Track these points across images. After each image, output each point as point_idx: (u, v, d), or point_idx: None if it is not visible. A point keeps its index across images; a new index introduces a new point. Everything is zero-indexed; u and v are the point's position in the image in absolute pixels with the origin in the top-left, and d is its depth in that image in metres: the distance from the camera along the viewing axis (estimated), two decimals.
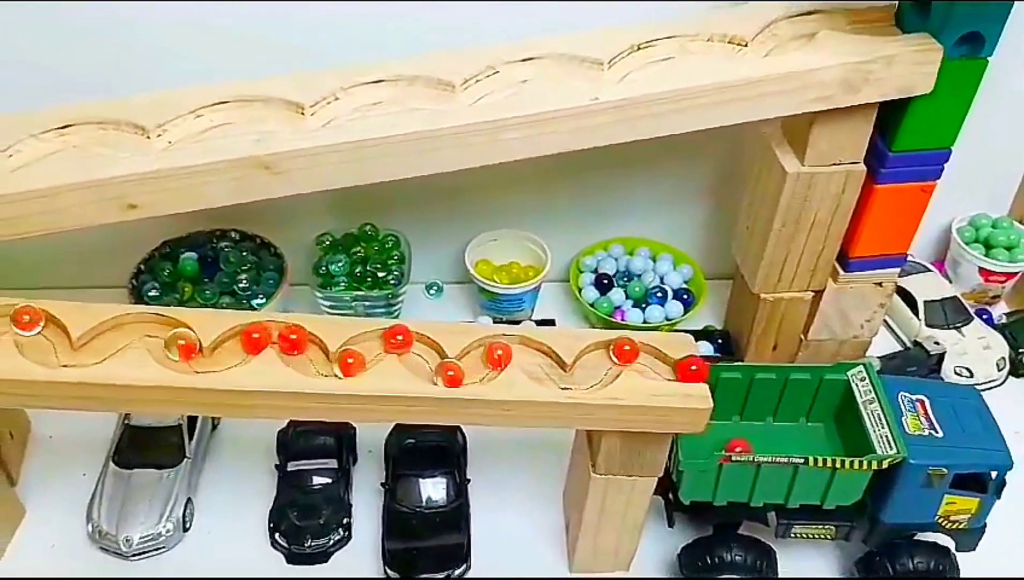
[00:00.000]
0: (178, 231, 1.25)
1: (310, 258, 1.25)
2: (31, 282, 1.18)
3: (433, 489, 1.06)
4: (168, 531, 1.02)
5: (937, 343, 1.23)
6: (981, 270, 1.32)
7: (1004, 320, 1.32)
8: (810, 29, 0.94)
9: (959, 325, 1.28)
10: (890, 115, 0.96)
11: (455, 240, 1.33)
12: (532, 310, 1.31)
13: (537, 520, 1.08)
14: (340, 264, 1.21)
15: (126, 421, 1.09)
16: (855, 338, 1.18)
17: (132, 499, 1.03)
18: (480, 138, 0.87)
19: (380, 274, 1.22)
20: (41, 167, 0.84)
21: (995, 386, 1.25)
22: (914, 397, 0.95)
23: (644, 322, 1.26)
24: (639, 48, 0.92)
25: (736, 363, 1.02)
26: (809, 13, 0.96)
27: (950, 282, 1.34)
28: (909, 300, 1.30)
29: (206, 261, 1.22)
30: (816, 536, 0.97)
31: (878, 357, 1.20)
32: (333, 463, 1.08)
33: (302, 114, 0.87)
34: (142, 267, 1.22)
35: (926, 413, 0.94)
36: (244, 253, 1.22)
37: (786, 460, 0.89)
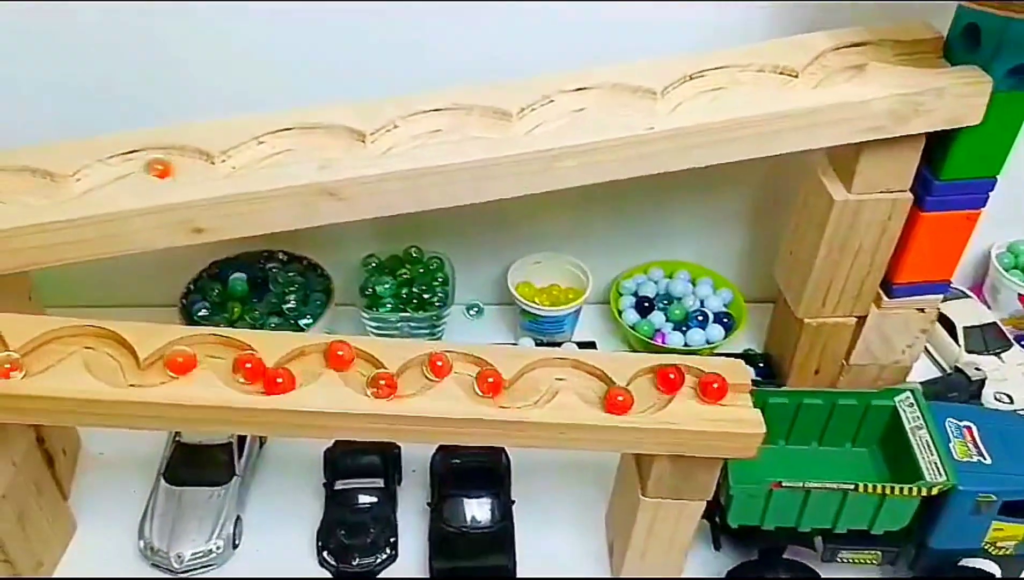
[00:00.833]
0: (227, 252, 1.28)
1: (356, 279, 1.27)
2: (80, 300, 1.21)
3: (478, 510, 1.07)
4: (219, 548, 1.03)
5: (978, 369, 1.23)
6: (1020, 296, 1.33)
7: None
8: (858, 60, 0.95)
9: (999, 351, 1.28)
10: (938, 144, 0.97)
11: (496, 262, 1.34)
12: (572, 332, 1.32)
13: (580, 542, 1.09)
14: (387, 285, 1.23)
15: (176, 438, 1.10)
16: (896, 363, 1.19)
17: (183, 516, 1.04)
18: (536, 166, 0.88)
19: (425, 296, 1.24)
20: (110, 191, 0.87)
21: None
22: (961, 423, 0.96)
23: (685, 345, 1.27)
24: (691, 78, 0.94)
25: (784, 389, 1.03)
26: (856, 44, 0.97)
27: (989, 308, 1.35)
28: (948, 326, 1.30)
29: (255, 281, 1.24)
30: (862, 561, 0.98)
31: (919, 383, 1.21)
32: (380, 482, 1.09)
33: (363, 142, 0.89)
34: (192, 287, 1.24)
35: (974, 439, 0.94)
36: (292, 274, 1.24)
37: (836, 486, 0.90)
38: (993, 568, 0.97)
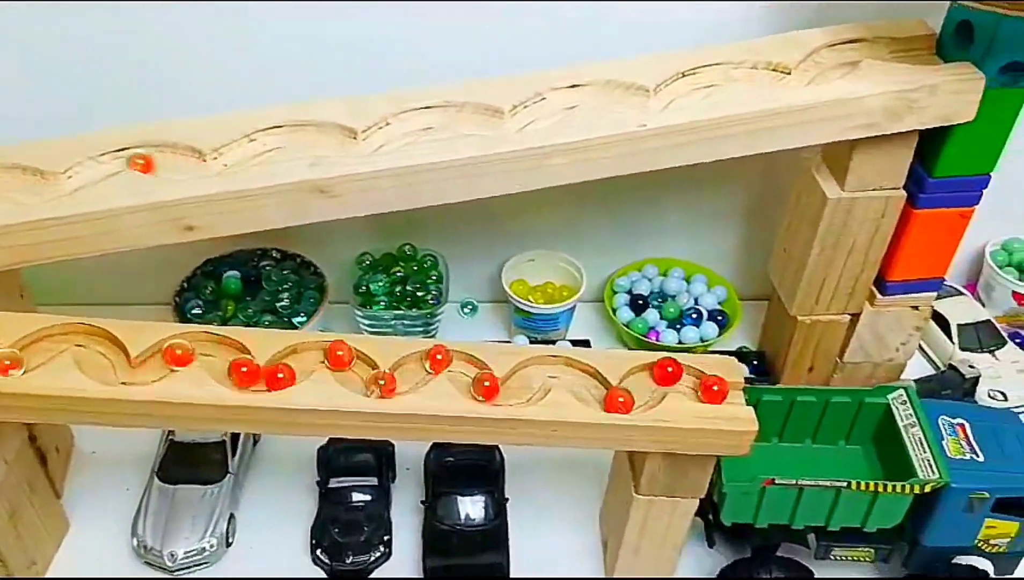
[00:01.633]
0: (220, 250, 1.27)
1: (349, 277, 1.27)
2: (74, 298, 1.21)
3: (472, 507, 1.07)
4: (212, 546, 1.03)
5: (972, 366, 1.23)
6: (1014, 294, 1.33)
7: None
8: (852, 57, 0.95)
9: (993, 348, 1.28)
10: (930, 142, 0.97)
11: (490, 260, 1.34)
12: (567, 330, 1.32)
13: (574, 540, 1.09)
14: (380, 283, 1.23)
15: (170, 437, 1.10)
16: (890, 361, 1.19)
17: (176, 514, 1.04)
18: (528, 164, 0.88)
19: (419, 293, 1.24)
20: (100, 189, 0.87)
21: None
22: (954, 421, 0.96)
23: (679, 343, 1.27)
24: (684, 75, 0.94)
25: (777, 386, 1.03)
26: (851, 41, 0.97)
27: (983, 305, 1.35)
28: (943, 323, 1.30)
29: (248, 279, 1.24)
30: (855, 559, 0.98)
31: (913, 380, 1.21)
32: (373, 480, 1.09)
33: (354, 139, 0.89)
34: (185, 285, 1.24)
35: (967, 437, 0.94)
36: (285, 272, 1.24)
37: (829, 484, 0.90)
38: (986, 565, 0.98)
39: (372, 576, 1.04)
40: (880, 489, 0.89)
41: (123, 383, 0.81)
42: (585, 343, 1.30)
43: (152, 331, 0.84)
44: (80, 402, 0.80)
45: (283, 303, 1.20)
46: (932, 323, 1.30)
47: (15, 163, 0.87)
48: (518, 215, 1.31)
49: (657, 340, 1.27)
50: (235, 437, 1.11)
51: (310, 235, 1.28)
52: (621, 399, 0.83)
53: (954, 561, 0.97)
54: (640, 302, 1.31)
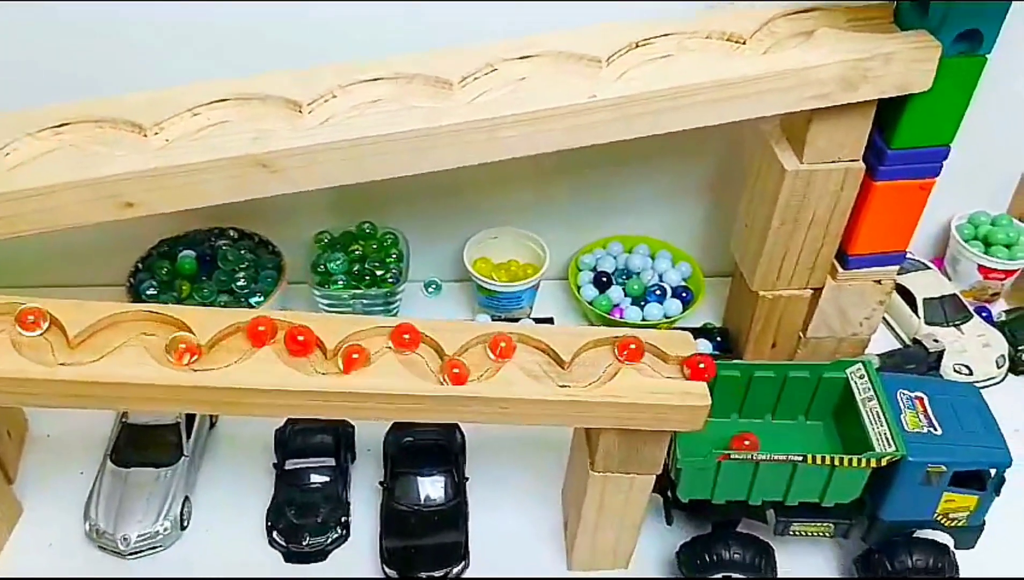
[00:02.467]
0: (176, 229, 1.25)
1: (309, 256, 1.25)
2: (28, 281, 1.19)
3: (431, 487, 1.06)
4: (165, 529, 1.02)
5: (936, 341, 1.23)
6: (980, 268, 1.32)
7: (1003, 317, 1.32)
8: (808, 27, 0.94)
9: (958, 323, 1.28)
10: (889, 112, 0.96)
11: (454, 238, 1.32)
12: (531, 308, 1.31)
13: (536, 518, 1.08)
14: (338, 262, 1.21)
15: (123, 419, 1.09)
16: (854, 336, 1.18)
17: (129, 498, 1.02)
18: (478, 136, 0.86)
19: (378, 272, 1.22)
20: (37, 166, 0.84)
21: (994, 384, 1.24)
22: (913, 394, 0.95)
23: (643, 320, 1.26)
24: (637, 46, 0.92)
25: (735, 361, 1.02)
26: (807, 11, 0.96)
27: (949, 280, 1.34)
28: (908, 298, 1.30)
29: (204, 259, 1.22)
30: (815, 534, 0.97)
31: (877, 355, 1.20)
32: (331, 461, 1.08)
33: (300, 112, 0.87)
34: (140, 266, 1.21)
35: (925, 411, 0.94)
36: (242, 251, 1.22)
37: (784, 458, 0.89)
38: (946, 539, 0.97)
39: (330, 557, 1.03)
40: (837, 463, 0.89)
41: (61, 364, 0.79)
42: (548, 321, 1.29)
43: (91, 311, 0.81)
44: (17, 383, 0.78)
45: (240, 283, 1.18)
46: (898, 298, 1.30)
47: None
48: (482, 192, 1.30)
49: (621, 317, 1.26)
50: (190, 419, 1.09)
51: (269, 214, 1.27)
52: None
53: (914, 535, 0.97)
54: (604, 279, 1.30)
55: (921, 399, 0.95)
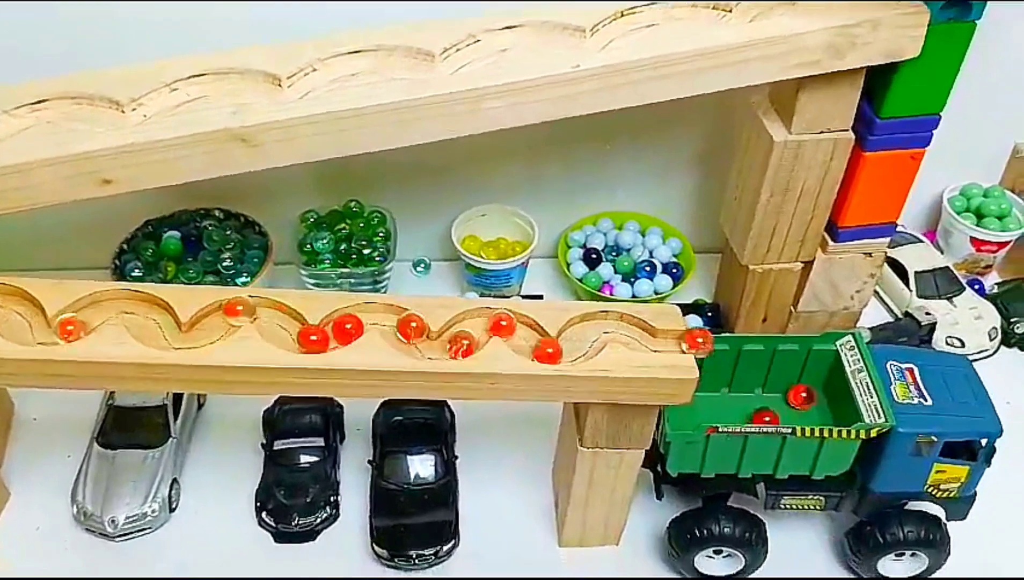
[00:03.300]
0: (161, 210, 1.24)
1: (295, 236, 1.24)
2: (12, 264, 1.17)
3: (421, 466, 1.05)
4: (154, 511, 1.01)
5: (928, 314, 1.22)
6: (972, 240, 1.31)
7: (996, 290, 1.31)
8: None
9: (950, 295, 1.27)
10: (878, 81, 0.95)
11: (442, 216, 1.31)
12: (520, 286, 1.30)
13: (527, 496, 1.08)
14: (324, 241, 1.20)
15: (110, 402, 1.08)
16: (845, 309, 1.17)
17: (117, 480, 1.02)
18: (460, 108, 0.85)
19: (365, 251, 1.21)
20: (14, 143, 0.82)
21: (987, 356, 1.24)
22: (903, 366, 0.95)
23: (633, 296, 1.25)
24: (623, 15, 0.91)
25: (723, 335, 1.01)
26: None
27: (941, 252, 1.33)
28: (900, 271, 1.29)
29: (189, 240, 1.21)
30: (806, 507, 0.97)
31: (868, 328, 1.20)
32: (320, 441, 1.07)
33: (279, 86, 0.85)
34: (125, 247, 1.20)
35: (915, 381, 0.93)
36: (228, 232, 1.21)
37: (773, 430, 0.88)
38: (937, 511, 0.97)
39: (321, 537, 1.03)
40: (826, 435, 0.88)
41: (40, 344, 0.78)
42: (538, 299, 1.28)
43: (70, 290, 0.81)
44: None
45: (226, 263, 1.17)
46: (889, 271, 1.29)
47: None
48: (470, 170, 1.28)
49: (611, 294, 1.25)
50: (177, 401, 1.09)
51: (255, 194, 1.25)
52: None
53: (906, 507, 0.96)
54: (594, 256, 1.29)
55: (911, 370, 0.94)
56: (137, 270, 1.16)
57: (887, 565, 0.97)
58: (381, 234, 1.24)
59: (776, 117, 1.01)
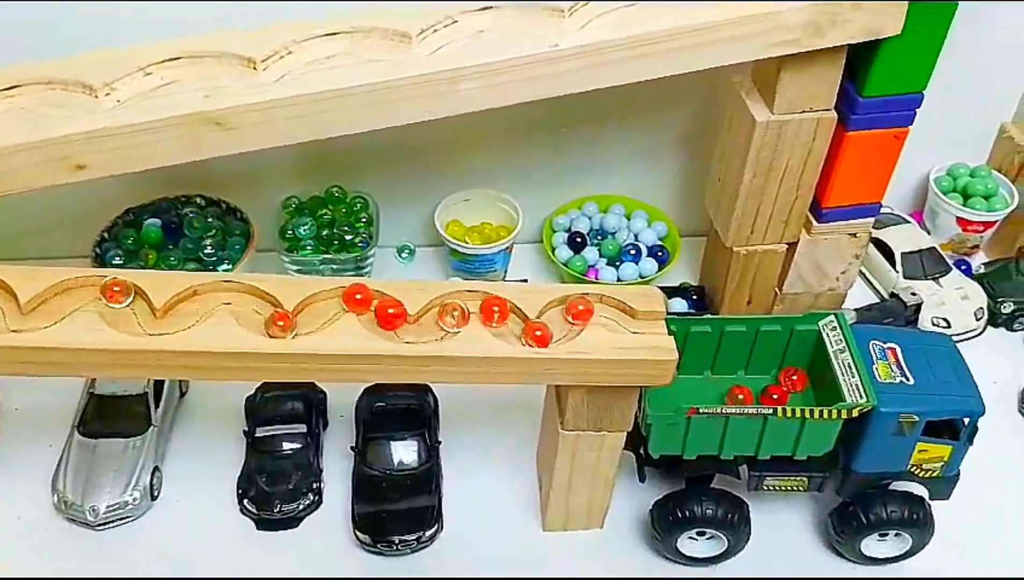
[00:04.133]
0: (142, 198, 1.23)
1: (277, 222, 1.23)
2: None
3: (404, 452, 1.04)
4: (135, 500, 1.00)
5: (914, 294, 1.22)
6: (959, 220, 1.31)
7: (982, 270, 1.31)
8: None
9: (937, 276, 1.26)
10: (860, 59, 0.94)
11: (426, 201, 1.30)
12: (505, 271, 1.29)
13: (511, 481, 1.07)
14: (306, 227, 1.19)
15: (91, 390, 1.07)
16: (831, 291, 1.17)
17: (98, 469, 1.01)
18: (438, 89, 0.84)
19: (348, 237, 1.20)
20: None
21: (973, 336, 1.24)
22: (885, 345, 0.94)
23: (618, 280, 1.24)
24: None
25: (705, 317, 1.00)
26: None
27: (928, 233, 1.33)
28: (886, 252, 1.28)
29: (171, 227, 1.20)
30: (789, 488, 0.96)
31: (854, 309, 1.19)
32: (302, 428, 1.06)
33: (254, 69, 0.84)
34: (106, 235, 1.19)
35: (897, 361, 0.93)
36: (209, 219, 1.20)
37: (755, 411, 0.88)
38: (921, 491, 0.96)
39: (303, 524, 1.02)
40: (807, 415, 0.87)
41: (13, 331, 0.77)
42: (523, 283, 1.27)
43: (42, 277, 0.80)
44: None
45: (207, 251, 1.16)
46: (876, 252, 1.29)
47: None
48: (453, 154, 1.28)
49: (596, 278, 1.25)
50: (158, 389, 1.08)
51: (236, 180, 1.25)
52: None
53: (889, 487, 0.96)
54: (579, 240, 1.28)
55: (894, 350, 0.94)
56: (118, 258, 1.16)
57: (871, 545, 0.97)
58: (364, 220, 1.23)
59: (758, 97, 1.00)
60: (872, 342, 0.94)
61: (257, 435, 1.06)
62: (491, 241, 1.25)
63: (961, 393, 0.90)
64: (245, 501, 1.02)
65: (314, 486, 1.03)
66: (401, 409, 1.07)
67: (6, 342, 0.76)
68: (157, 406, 1.07)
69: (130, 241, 1.18)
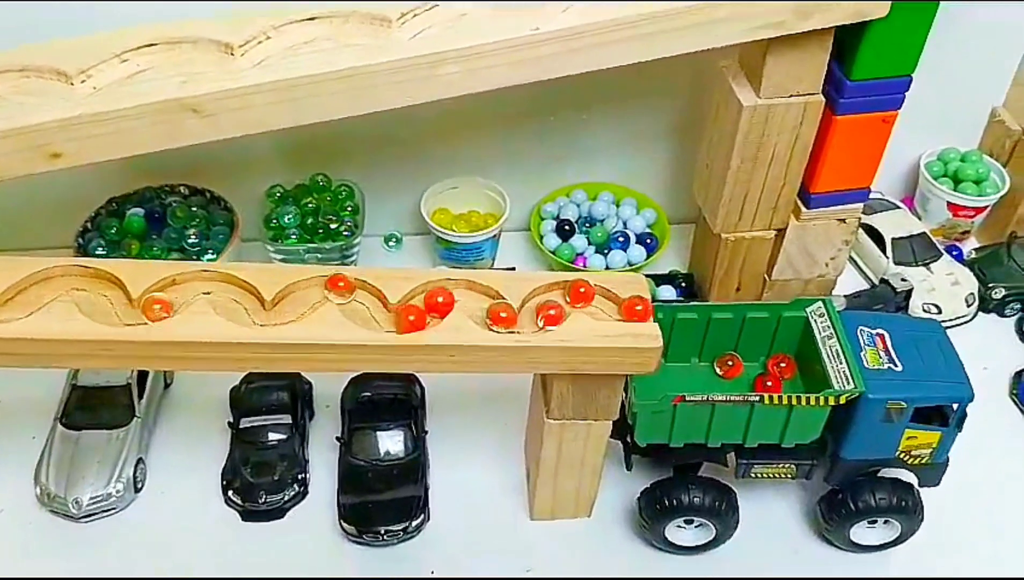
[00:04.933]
0: (125, 188, 1.22)
1: (262, 211, 1.22)
2: None
3: (390, 442, 1.04)
4: (119, 491, 0.99)
5: (904, 280, 1.21)
6: (950, 205, 1.30)
7: (973, 255, 1.30)
8: None
9: (927, 262, 1.26)
10: (847, 42, 0.93)
11: (413, 190, 1.29)
12: (493, 260, 1.28)
13: (499, 471, 1.06)
14: (290, 216, 1.18)
15: (73, 382, 1.06)
16: (820, 277, 1.16)
17: (80, 461, 1.00)
18: (418, 73, 0.83)
19: (333, 225, 1.19)
20: None
21: (964, 322, 1.23)
22: (874, 331, 0.93)
23: (607, 268, 1.23)
24: None
25: (692, 304, 0.99)
26: None
27: (919, 218, 1.32)
28: (877, 238, 1.27)
29: (154, 217, 1.18)
30: (777, 475, 0.96)
31: (844, 295, 1.18)
32: (287, 418, 1.06)
33: (232, 55, 0.83)
34: (88, 225, 1.18)
35: (886, 347, 0.92)
36: (193, 208, 1.18)
37: (741, 398, 0.87)
38: (910, 478, 0.96)
39: (289, 515, 1.02)
40: (794, 402, 0.87)
41: None
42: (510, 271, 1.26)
43: (20, 267, 0.79)
44: None
45: (191, 240, 1.15)
46: (866, 237, 1.28)
47: None
48: (440, 142, 1.26)
49: (584, 266, 1.24)
50: (142, 380, 1.07)
51: (220, 169, 1.23)
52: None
53: (878, 474, 0.96)
54: (567, 228, 1.27)
55: (882, 336, 0.93)
56: (101, 249, 1.14)
57: (860, 533, 0.96)
58: (349, 208, 1.22)
59: (745, 81, 0.99)
60: (860, 328, 0.93)
61: (242, 426, 1.05)
62: (479, 229, 1.24)
63: (950, 379, 0.89)
64: (230, 492, 1.01)
65: (299, 477, 1.03)
66: (387, 399, 1.06)
67: None
68: (141, 397, 1.06)
69: (113, 231, 1.17)
